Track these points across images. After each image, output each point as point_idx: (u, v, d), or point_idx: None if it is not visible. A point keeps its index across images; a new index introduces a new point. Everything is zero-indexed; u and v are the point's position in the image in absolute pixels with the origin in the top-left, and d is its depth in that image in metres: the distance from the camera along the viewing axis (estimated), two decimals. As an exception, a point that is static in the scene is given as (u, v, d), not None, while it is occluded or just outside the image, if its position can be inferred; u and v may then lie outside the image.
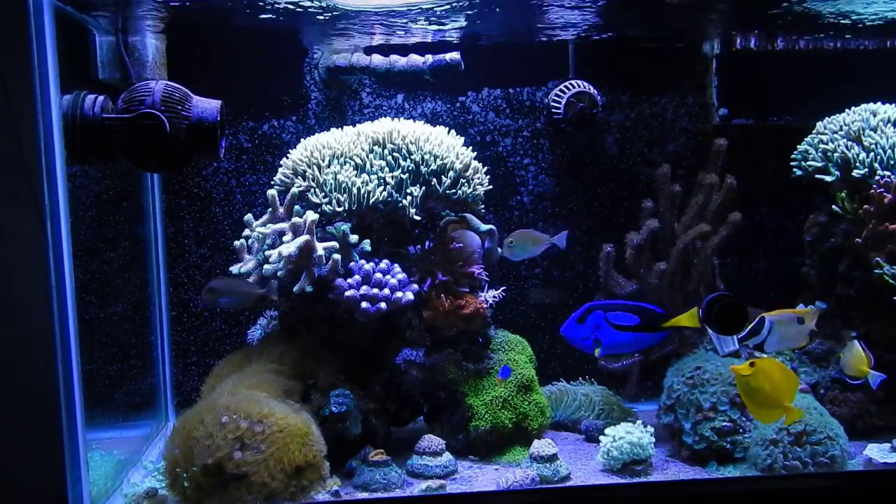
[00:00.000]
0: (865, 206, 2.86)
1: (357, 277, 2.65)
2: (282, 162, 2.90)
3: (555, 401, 3.09)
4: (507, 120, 3.42)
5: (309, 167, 2.80)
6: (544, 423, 2.87)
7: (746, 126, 3.50)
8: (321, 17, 2.75)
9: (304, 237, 2.57)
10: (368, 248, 2.71)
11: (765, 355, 2.49)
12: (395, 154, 2.80)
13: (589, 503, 2.51)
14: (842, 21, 3.05)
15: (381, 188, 2.74)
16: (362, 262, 2.70)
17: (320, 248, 2.59)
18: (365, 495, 2.49)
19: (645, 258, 3.05)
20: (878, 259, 2.80)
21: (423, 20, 2.82)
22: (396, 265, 2.75)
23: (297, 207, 2.70)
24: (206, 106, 2.43)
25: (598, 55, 3.40)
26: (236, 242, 2.73)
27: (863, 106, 3.10)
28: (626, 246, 3.06)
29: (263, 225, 2.69)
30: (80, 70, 2.56)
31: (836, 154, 3.01)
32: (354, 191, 2.72)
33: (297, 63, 3.28)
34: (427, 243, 2.89)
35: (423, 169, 2.79)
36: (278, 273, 2.57)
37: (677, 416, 2.76)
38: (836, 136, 3.05)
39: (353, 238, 2.69)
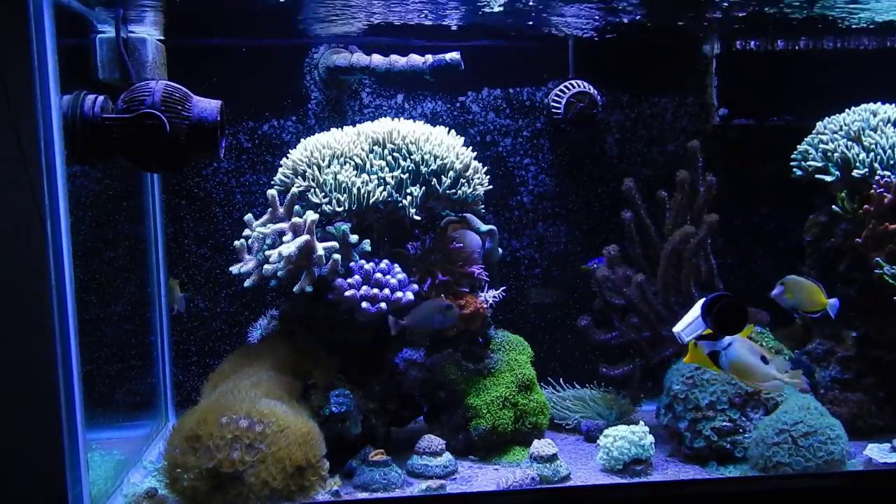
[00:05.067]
0: (865, 206, 2.86)
1: (357, 277, 2.65)
2: (282, 162, 2.90)
3: (579, 407, 3.10)
4: (507, 120, 3.42)
5: (309, 167, 2.80)
6: (544, 422, 2.87)
7: (746, 126, 3.50)
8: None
9: (304, 237, 2.57)
10: (368, 248, 2.71)
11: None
12: (395, 154, 2.80)
13: (589, 503, 2.51)
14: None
15: (381, 188, 2.74)
16: (362, 262, 2.70)
17: (320, 248, 2.59)
18: (365, 495, 2.50)
19: (622, 279, 3.06)
20: (878, 259, 2.81)
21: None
22: (396, 265, 2.75)
23: (297, 207, 2.70)
24: (206, 106, 2.43)
25: (598, 55, 3.40)
26: (236, 242, 2.73)
27: (863, 106, 3.09)
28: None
29: (263, 225, 2.69)
30: (80, 70, 2.56)
31: (836, 154, 3.00)
32: (354, 191, 2.72)
33: (298, 62, 3.28)
34: (427, 243, 2.89)
35: (423, 169, 2.79)
36: (278, 273, 2.57)
37: (677, 416, 2.76)
38: (836, 136, 3.05)
39: (353, 238, 2.69)
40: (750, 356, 2.33)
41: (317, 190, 2.76)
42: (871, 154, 2.93)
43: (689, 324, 2.47)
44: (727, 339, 2.33)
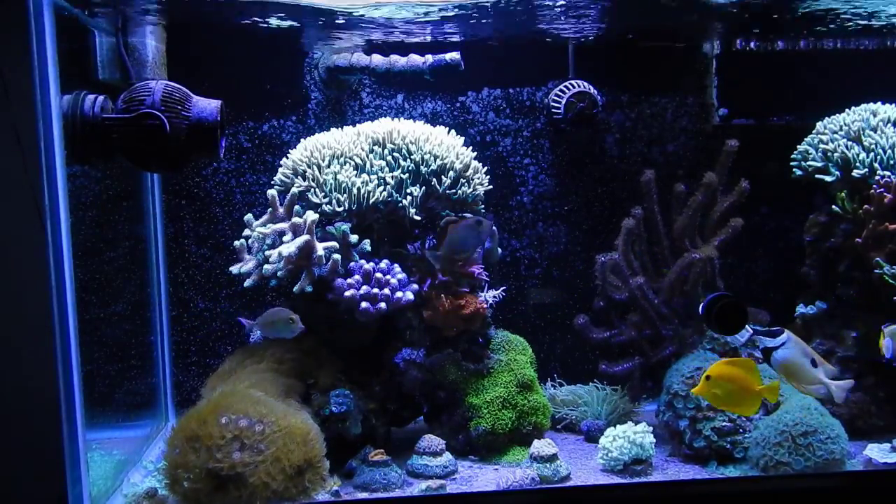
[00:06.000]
0: (865, 206, 2.86)
1: (357, 277, 2.65)
2: (282, 162, 2.90)
3: (579, 405, 3.10)
4: (507, 120, 3.42)
5: (309, 167, 2.80)
6: (545, 422, 2.87)
7: (746, 126, 3.50)
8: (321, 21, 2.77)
9: (304, 237, 2.57)
10: (368, 248, 2.71)
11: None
12: (395, 154, 2.80)
13: (589, 503, 2.51)
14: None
15: (381, 188, 2.74)
16: (362, 262, 2.70)
17: (320, 248, 2.59)
18: (365, 495, 2.50)
19: (632, 265, 3.05)
20: (878, 259, 2.81)
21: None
22: (396, 265, 2.75)
23: (297, 207, 2.70)
24: (206, 106, 2.43)
25: (598, 55, 3.40)
26: (236, 242, 2.73)
27: (863, 106, 3.10)
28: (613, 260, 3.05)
29: (263, 225, 2.69)
30: (80, 70, 2.56)
31: (836, 154, 3.01)
32: (354, 191, 2.72)
33: (298, 63, 3.28)
34: (427, 243, 2.89)
35: (423, 169, 2.79)
36: (278, 273, 2.57)
37: (677, 414, 2.76)
38: (836, 136, 3.05)
39: (353, 238, 2.69)
40: (801, 357, 2.32)
41: (317, 190, 2.76)
42: (871, 154, 2.93)
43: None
44: (783, 336, 2.33)
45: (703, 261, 2.92)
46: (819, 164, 3.06)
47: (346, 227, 2.69)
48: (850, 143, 3.00)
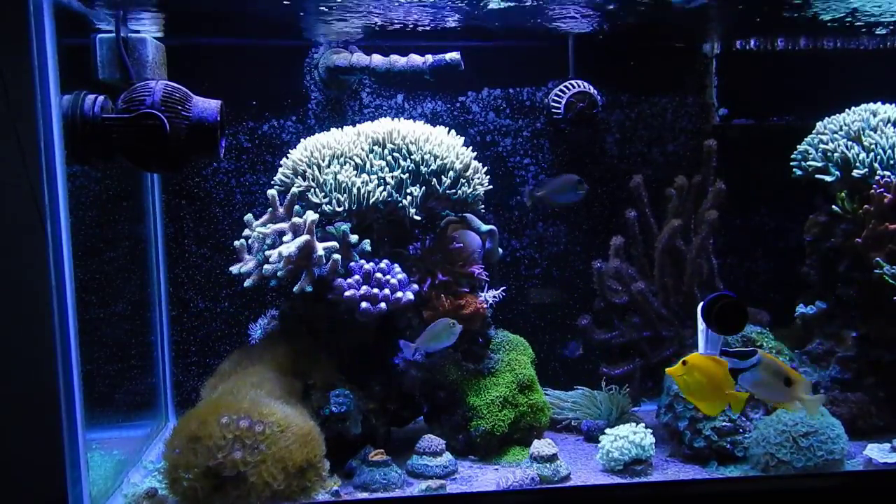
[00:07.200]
0: (865, 206, 2.86)
1: (357, 277, 2.65)
2: (282, 162, 2.90)
3: (578, 406, 3.10)
4: (507, 120, 3.41)
5: (309, 167, 2.80)
6: (544, 422, 2.87)
7: (746, 126, 3.50)
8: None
9: (304, 237, 2.57)
10: (368, 248, 2.71)
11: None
12: (395, 154, 2.80)
13: (589, 503, 2.51)
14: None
15: (381, 188, 2.74)
16: (362, 262, 2.70)
17: (320, 248, 2.59)
18: (365, 495, 2.50)
19: (628, 274, 3.06)
20: (878, 259, 2.81)
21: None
22: (396, 265, 2.75)
23: (297, 207, 2.70)
24: (206, 106, 2.43)
25: (599, 55, 3.40)
26: (236, 242, 2.73)
27: (863, 106, 3.09)
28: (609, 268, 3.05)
29: (263, 225, 2.69)
30: (80, 70, 2.56)
31: (836, 154, 3.01)
32: (354, 191, 2.72)
33: (297, 62, 3.28)
34: (427, 243, 2.89)
35: (423, 169, 2.79)
36: (278, 273, 2.57)
37: (677, 416, 2.76)
38: (836, 136, 3.05)
39: (353, 238, 2.69)
40: (773, 380, 2.23)
41: (317, 190, 2.76)
42: (871, 154, 2.93)
43: (705, 339, 2.42)
44: (754, 358, 2.24)
45: (672, 232, 2.94)
46: (819, 164, 3.06)
47: (346, 227, 2.69)
48: (850, 143, 3.00)
